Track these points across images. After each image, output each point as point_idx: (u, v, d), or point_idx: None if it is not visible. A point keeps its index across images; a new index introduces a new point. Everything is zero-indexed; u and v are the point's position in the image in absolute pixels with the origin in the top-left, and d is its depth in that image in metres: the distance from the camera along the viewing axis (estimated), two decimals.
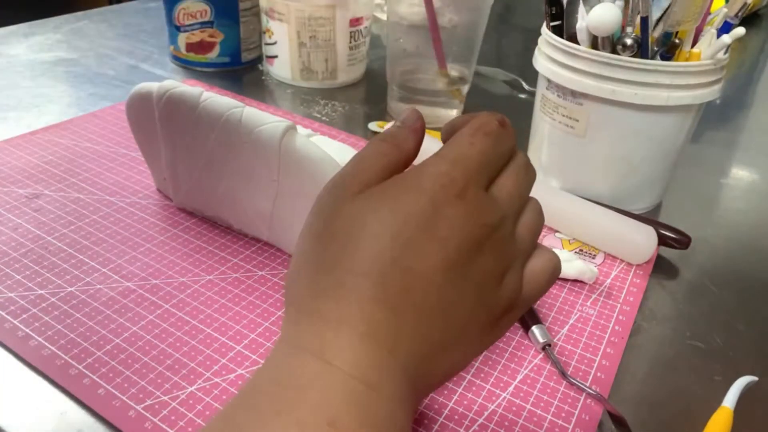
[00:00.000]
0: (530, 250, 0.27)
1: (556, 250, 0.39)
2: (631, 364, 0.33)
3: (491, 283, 0.24)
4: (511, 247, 0.25)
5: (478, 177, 0.25)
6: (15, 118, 0.55)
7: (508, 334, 0.34)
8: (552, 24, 0.44)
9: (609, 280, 0.39)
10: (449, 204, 0.24)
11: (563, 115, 0.44)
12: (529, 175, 0.28)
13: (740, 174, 0.56)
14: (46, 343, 0.31)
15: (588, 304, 0.37)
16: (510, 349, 0.33)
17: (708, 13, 0.42)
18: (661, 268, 0.41)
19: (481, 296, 0.24)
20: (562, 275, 0.38)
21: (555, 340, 0.34)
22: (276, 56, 0.66)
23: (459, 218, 0.23)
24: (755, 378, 0.32)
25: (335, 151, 0.38)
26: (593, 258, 0.41)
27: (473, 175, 0.24)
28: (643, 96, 0.40)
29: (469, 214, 0.24)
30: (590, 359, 0.33)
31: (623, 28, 0.41)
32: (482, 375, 0.32)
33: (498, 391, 0.31)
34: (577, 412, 0.30)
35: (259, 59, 0.72)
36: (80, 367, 0.30)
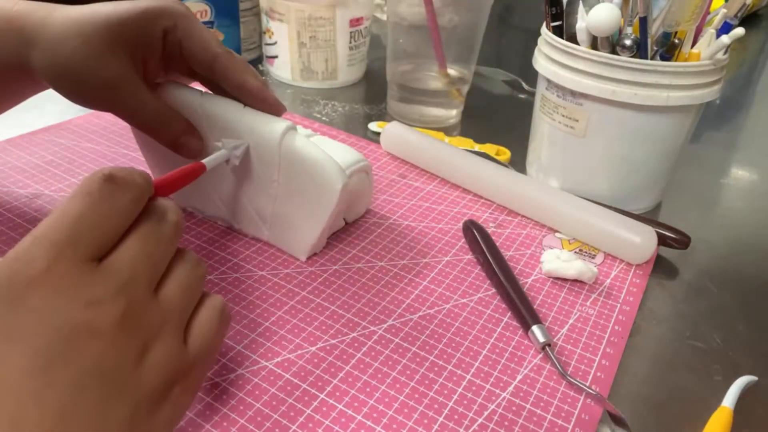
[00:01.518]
0: (188, 309, 0.25)
1: (556, 250, 0.40)
2: (631, 364, 0.33)
3: (122, 368, 0.21)
4: (149, 317, 0.22)
5: (72, 249, 0.21)
6: (15, 118, 0.55)
7: (507, 333, 0.34)
8: (552, 24, 0.44)
9: (609, 280, 0.39)
10: (30, 288, 0.20)
11: (563, 116, 0.44)
12: (165, 232, 0.24)
13: (740, 174, 0.56)
14: None
15: (588, 304, 0.37)
16: (510, 349, 0.33)
17: (707, 13, 0.42)
18: (660, 268, 0.41)
19: (109, 387, 0.20)
20: (562, 275, 0.38)
21: (555, 340, 0.34)
22: (276, 56, 0.66)
23: (46, 302, 0.20)
24: (755, 378, 0.32)
25: (335, 151, 0.38)
26: (593, 258, 0.41)
27: (63, 248, 0.20)
28: (642, 96, 0.40)
29: (62, 294, 0.20)
30: (590, 359, 0.33)
31: (622, 28, 0.41)
32: (482, 375, 0.32)
33: (498, 391, 0.31)
34: (576, 412, 0.30)
35: (259, 59, 0.72)
36: None
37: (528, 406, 0.30)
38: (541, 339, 0.33)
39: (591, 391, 0.30)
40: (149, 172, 0.45)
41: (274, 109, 0.37)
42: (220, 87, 0.37)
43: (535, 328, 0.33)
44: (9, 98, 0.38)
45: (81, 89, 0.33)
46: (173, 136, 0.36)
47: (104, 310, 0.21)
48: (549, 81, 0.45)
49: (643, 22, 0.40)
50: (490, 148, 0.53)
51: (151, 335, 0.22)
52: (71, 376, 0.20)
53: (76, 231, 0.21)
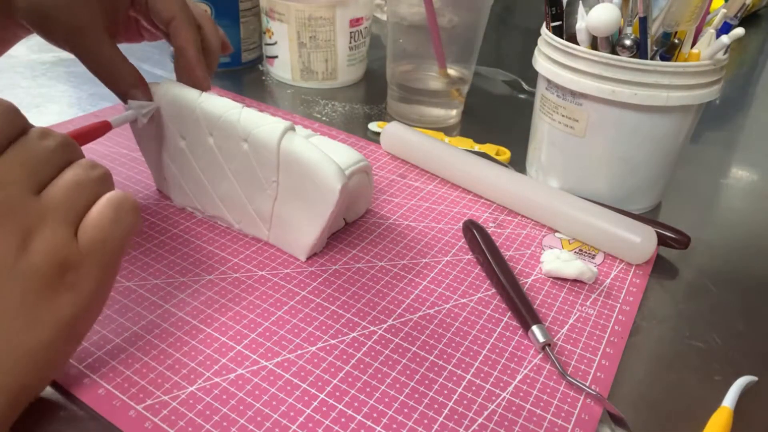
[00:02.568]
0: (78, 205, 0.26)
1: (556, 250, 0.40)
2: (631, 364, 0.33)
3: (5, 256, 0.23)
4: (26, 211, 0.24)
5: None
6: None
7: (507, 333, 0.34)
8: (552, 24, 0.44)
9: (609, 280, 0.39)
10: None
11: (563, 116, 0.44)
12: (46, 144, 0.26)
13: (740, 174, 0.56)
14: None
15: (588, 304, 0.37)
16: (510, 349, 0.33)
17: (707, 13, 0.42)
18: (660, 268, 0.42)
19: None
20: (562, 275, 0.38)
21: (555, 340, 0.34)
22: (276, 56, 0.66)
23: None
24: (755, 378, 0.32)
25: (335, 151, 0.38)
26: (593, 258, 0.41)
27: None
28: (642, 96, 0.40)
29: None
30: (590, 359, 0.33)
31: (622, 28, 0.41)
32: (482, 375, 0.32)
33: (498, 391, 0.31)
34: (576, 412, 0.30)
35: (259, 59, 0.72)
36: (80, 366, 0.30)
37: (528, 406, 0.30)
38: (541, 339, 0.33)
39: (591, 391, 0.30)
40: (149, 171, 0.45)
41: (198, 84, 0.39)
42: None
43: (535, 328, 0.33)
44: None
45: (52, 30, 0.35)
46: (124, 86, 0.38)
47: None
48: (549, 81, 0.45)
49: (643, 22, 0.40)
50: (490, 148, 0.53)
51: (32, 226, 0.24)
52: None
53: None
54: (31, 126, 0.27)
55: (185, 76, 0.40)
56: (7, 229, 0.24)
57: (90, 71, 0.37)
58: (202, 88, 0.39)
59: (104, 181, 0.28)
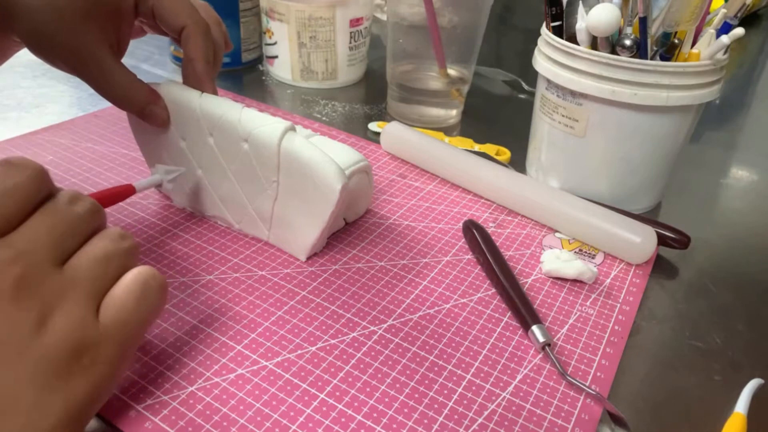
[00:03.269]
0: (104, 279, 0.25)
1: (556, 250, 0.40)
2: (631, 364, 0.33)
3: (20, 335, 0.22)
4: (48, 285, 0.23)
5: None
6: (15, 118, 0.55)
7: (507, 333, 0.34)
8: (552, 24, 0.44)
9: (608, 280, 0.39)
10: None
11: (563, 116, 0.44)
12: (73, 211, 0.25)
13: (740, 174, 0.56)
14: None
15: (588, 304, 0.37)
16: (510, 349, 0.33)
17: (707, 13, 0.42)
18: (660, 268, 0.42)
19: (6, 355, 0.21)
20: (562, 275, 0.38)
21: (555, 340, 0.34)
22: (276, 56, 0.66)
23: None
24: (762, 381, 0.32)
25: (335, 151, 0.38)
26: (593, 258, 0.41)
27: None
28: (642, 96, 0.40)
29: None
30: (590, 359, 0.33)
31: (622, 28, 0.41)
32: (482, 375, 0.32)
33: (498, 391, 0.31)
34: (576, 412, 0.30)
35: (259, 59, 0.72)
36: None
37: (528, 406, 0.30)
38: (541, 339, 0.33)
39: (591, 391, 0.30)
40: (149, 171, 0.45)
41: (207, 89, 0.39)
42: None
43: (535, 328, 0.33)
44: None
45: (54, 56, 0.35)
46: (139, 106, 0.38)
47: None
48: (549, 81, 0.45)
49: (643, 22, 0.40)
50: (490, 148, 0.53)
51: (52, 303, 0.23)
52: None
53: None
54: (59, 189, 0.25)
55: (193, 85, 0.39)
56: (26, 304, 0.22)
57: (99, 94, 0.36)
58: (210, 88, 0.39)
59: (132, 254, 0.27)
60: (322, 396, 0.30)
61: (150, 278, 0.26)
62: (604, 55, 0.40)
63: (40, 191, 0.25)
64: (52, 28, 0.33)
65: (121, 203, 0.43)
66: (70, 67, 0.35)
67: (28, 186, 0.24)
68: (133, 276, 0.26)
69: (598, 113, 0.42)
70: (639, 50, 0.40)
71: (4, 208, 0.23)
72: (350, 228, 0.42)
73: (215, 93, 0.39)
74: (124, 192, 0.35)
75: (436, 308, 0.36)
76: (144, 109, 0.38)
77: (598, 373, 0.32)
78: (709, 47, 0.40)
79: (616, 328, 0.35)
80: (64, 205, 0.25)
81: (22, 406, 0.21)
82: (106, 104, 0.58)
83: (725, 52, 0.41)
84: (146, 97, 0.38)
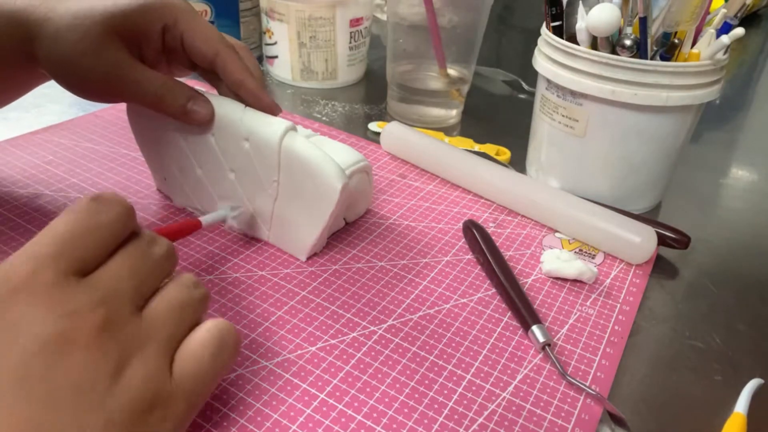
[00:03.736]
0: (180, 329, 0.24)
1: (556, 250, 0.40)
2: (631, 364, 0.33)
3: (98, 382, 0.21)
4: (129, 332, 0.22)
5: (53, 261, 0.21)
6: (15, 118, 0.55)
7: (507, 333, 0.34)
8: (552, 24, 0.44)
9: (609, 280, 0.39)
10: (10, 298, 0.20)
11: (563, 116, 0.44)
12: (153, 254, 0.25)
13: (740, 174, 0.56)
14: None
15: (588, 304, 0.37)
16: (510, 349, 0.33)
17: (707, 13, 0.42)
18: (660, 268, 0.42)
19: (83, 401, 0.20)
20: (562, 275, 0.38)
21: (555, 340, 0.34)
22: (276, 56, 0.66)
23: (25, 312, 0.20)
24: (762, 381, 0.32)
25: (335, 151, 0.38)
26: (593, 258, 0.41)
27: (44, 259, 0.21)
28: (642, 96, 0.40)
29: (40, 304, 0.20)
30: (590, 359, 0.33)
31: (622, 28, 0.41)
32: (482, 375, 0.32)
33: (498, 391, 0.31)
34: (576, 412, 0.30)
35: (259, 59, 0.72)
36: None
37: (528, 406, 0.30)
38: (541, 339, 0.33)
39: (591, 391, 0.30)
40: (149, 171, 0.45)
41: (269, 109, 0.37)
42: (220, 80, 0.38)
43: (535, 328, 0.33)
44: (16, 89, 0.40)
45: (81, 82, 0.34)
46: (180, 104, 0.36)
47: (82, 320, 0.21)
48: (549, 81, 0.45)
49: (643, 22, 0.40)
50: (490, 148, 0.53)
51: (131, 351, 0.22)
52: (45, 389, 0.20)
53: (59, 244, 0.22)
54: (140, 228, 0.25)
55: (253, 105, 0.37)
56: (106, 349, 0.21)
57: (140, 103, 0.35)
58: (275, 113, 0.38)
59: (204, 303, 0.26)
60: (322, 396, 0.30)
61: (226, 333, 0.25)
62: (604, 55, 0.40)
63: (126, 230, 0.24)
64: (78, 53, 0.32)
65: None
66: (102, 90, 0.34)
67: (116, 225, 0.24)
68: (208, 330, 0.25)
69: (598, 113, 0.42)
70: (639, 50, 0.40)
71: (92, 246, 0.23)
72: (350, 228, 0.42)
73: (278, 106, 0.38)
74: (192, 226, 0.34)
75: (436, 308, 0.36)
76: (185, 106, 0.36)
77: (598, 373, 0.32)
78: (709, 47, 0.40)
79: (616, 328, 0.35)
80: (145, 247, 0.25)
81: None
82: (106, 104, 0.58)
83: (725, 52, 0.41)
84: (186, 93, 0.36)
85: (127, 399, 0.21)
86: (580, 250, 0.42)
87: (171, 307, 0.24)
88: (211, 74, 0.38)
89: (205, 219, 0.36)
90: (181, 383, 0.23)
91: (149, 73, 0.35)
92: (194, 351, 0.24)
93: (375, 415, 0.29)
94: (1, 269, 0.21)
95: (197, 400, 0.24)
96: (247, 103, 0.37)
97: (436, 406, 0.30)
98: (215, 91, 0.39)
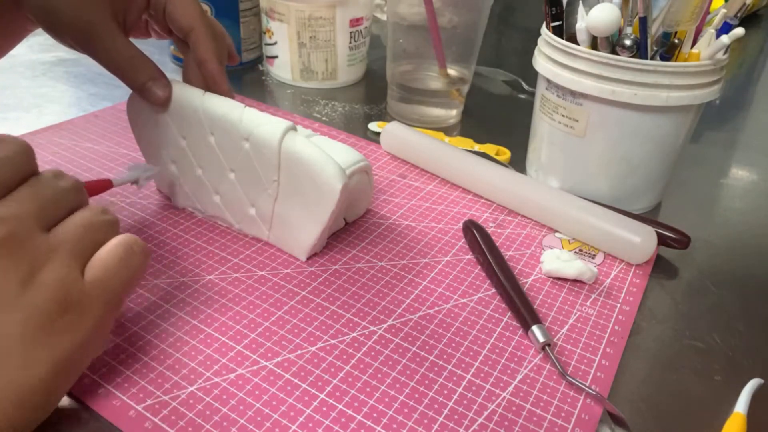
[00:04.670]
0: (87, 244, 0.26)
1: (556, 250, 0.40)
2: (631, 364, 0.33)
3: (8, 290, 0.23)
4: (35, 245, 0.24)
5: None
6: (15, 118, 0.55)
7: (507, 333, 0.34)
8: (552, 24, 0.44)
9: (609, 280, 0.39)
10: None
11: (563, 116, 0.44)
12: (58, 185, 0.27)
13: (740, 174, 0.56)
14: None
15: (588, 304, 0.37)
16: (510, 349, 0.33)
17: (707, 13, 0.42)
18: (660, 268, 0.42)
19: None
20: (562, 275, 0.38)
21: (555, 340, 0.34)
22: (276, 56, 0.66)
23: None
24: (762, 381, 0.32)
25: (335, 151, 0.38)
26: (593, 258, 0.41)
27: None
28: (642, 96, 0.40)
29: None
30: (590, 359, 0.33)
31: (622, 28, 0.41)
32: (482, 375, 0.32)
33: (498, 391, 0.31)
34: (576, 412, 0.30)
35: (259, 59, 0.72)
36: None
37: (528, 406, 0.30)
38: (541, 339, 0.33)
39: (591, 391, 0.30)
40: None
41: (224, 95, 0.39)
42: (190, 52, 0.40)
43: (535, 328, 0.33)
44: (4, 38, 0.40)
45: (62, 30, 0.35)
46: (141, 80, 0.37)
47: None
48: (549, 81, 0.45)
49: (643, 22, 0.40)
50: (490, 148, 0.53)
51: (40, 261, 0.24)
52: None
53: None
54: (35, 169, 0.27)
55: (209, 88, 0.39)
56: (12, 261, 0.23)
57: (105, 68, 0.36)
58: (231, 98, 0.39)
59: (113, 227, 0.28)
60: (322, 396, 0.30)
61: (133, 243, 0.28)
62: (604, 55, 0.40)
63: (26, 166, 0.26)
64: (63, 3, 0.33)
65: (121, 204, 0.43)
66: (77, 43, 0.35)
67: (15, 159, 0.26)
68: (116, 240, 0.27)
69: (598, 113, 0.42)
70: (639, 50, 0.40)
71: None
72: (350, 228, 0.42)
73: (231, 92, 0.40)
74: (103, 184, 0.36)
75: (436, 308, 0.36)
76: (145, 83, 0.37)
77: (598, 373, 0.32)
78: (709, 47, 0.40)
79: (616, 328, 0.35)
80: (48, 179, 0.27)
81: (10, 360, 0.23)
82: (106, 104, 0.58)
83: (725, 52, 0.41)
84: (150, 71, 0.37)
85: (41, 299, 0.23)
86: (580, 250, 0.42)
87: (77, 225, 0.26)
88: (184, 45, 0.40)
89: (115, 179, 0.37)
90: (93, 287, 0.26)
91: (119, 43, 0.36)
92: (103, 258, 0.26)
93: (375, 415, 0.29)
94: None
95: (110, 303, 0.27)
96: (206, 85, 0.39)
97: (436, 406, 0.30)
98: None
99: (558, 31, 0.44)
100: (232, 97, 0.39)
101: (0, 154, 0.25)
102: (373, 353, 0.32)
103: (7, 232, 0.23)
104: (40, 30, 0.36)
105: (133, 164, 0.39)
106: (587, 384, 0.31)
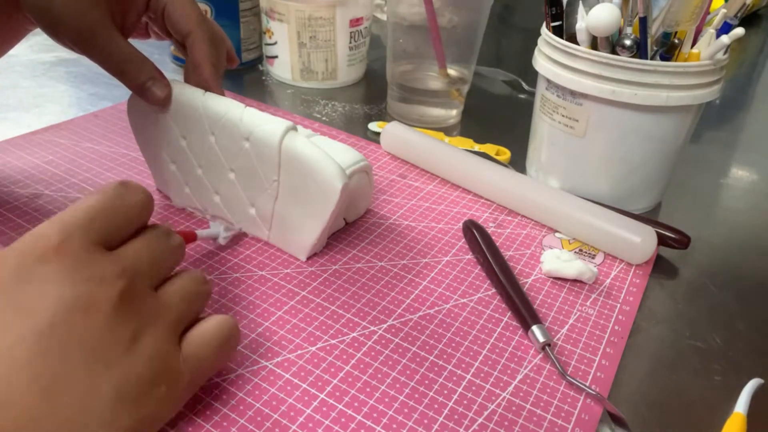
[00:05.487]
0: (187, 315, 0.26)
1: (556, 250, 0.40)
2: (631, 364, 0.33)
3: (114, 347, 0.22)
4: (146, 306, 0.24)
5: (83, 232, 0.23)
6: (15, 118, 0.55)
7: (507, 333, 0.34)
8: (552, 24, 0.44)
9: (609, 280, 0.39)
10: (41, 261, 0.21)
11: (563, 116, 0.44)
12: (169, 243, 0.27)
13: (740, 174, 0.56)
14: None
15: (588, 304, 0.37)
16: (510, 349, 0.33)
17: (707, 13, 0.42)
18: (660, 268, 0.42)
19: (99, 362, 0.21)
20: (562, 275, 0.38)
21: (555, 340, 0.34)
22: (276, 56, 0.66)
23: (54, 274, 0.21)
24: (762, 381, 0.32)
25: (335, 151, 0.38)
26: (593, 258, 0.41)
27: (75, 229, 0.22)
28: (642, 96, 0.40)
29: (68, 268, 0.22)
30: (590, 359, 0.33)
31: (622, 28, 0.41)
32: (482, 375, 0.32)
33: (498, 391, 0.31)
34: (576, 412, 0.30)
35: (259, 59, 0.72)
36: None
37: (528, 406, 0.30)
38: (541, 339, 0.33)
39: (591, 391, 0.30)
40: (149, 171, 0.45)
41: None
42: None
43: (535, 328, 0.33)
44: (8, 38, 0.40)
45: (60, 31, 0.35)
46: (140, 80, 0.37)
47: (105, 287, 0.22)
48: (549, 81, 0.45)
49: (643, 22, 0.40)
50: (490, 148, 0.53)
51: (146, 324, 0.23)
52: (64, 346, 0.21)
53: (88, 217, 0.23)
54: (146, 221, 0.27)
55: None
56: (125, 317, 0.23)
57: (104, 69, 0.36)
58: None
59: (207, 299, 0.28)
60: (322, 396, 0.30)
61: (234, 328, 0.28)
62: (604, 55, 0.40)
63: (146, 217, 0.26)
64: (61, 4, 0.33)
65: None
66: (75, 44, 0.35)
67: (139, 209, 0.26)
68: (219, 321, 0.27)
69: (598, 113, 0.42)
70: (639, 50, 0.40)
71: (118, 224, 0.25)
72: (350, 228, 0.42)
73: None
74: (188, 237, 0.36)
75: (436, 308, 0.36)
76: (144, 83, 0.37)
77: (598, 373, 0.32)
78: (709, 47, 0.40)
79: (616, 328, 0.35)
80: (161, 234, 0.27)
81: (94, 417, 0.21)
82: (106, 103, 0.58)
83: (725, 52, 0.41)
84: (149, 71, 0.37)
85: (140, 366, 0.23)
86: (580, 250, 0.42)
87: (182, 294, 0.26)
88: (183, 47, 0.40)
89: (200, 233, 0.38)
90: (188, 365, 0.25)
91: (117, 44, 0.35)
92: (204, 336, 0.26)
93: (375, 415, 0.29)
94: (33, 235, 0.22)
95: (196, 385, 0.26)
96: (190, 83, 0.39)
97: (436, 406, 0.30)
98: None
99: (558, 31, 0.44)
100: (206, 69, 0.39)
101: (125, 201, 0.25)
102: (373, 353, 0.32)
103: (125, 286, 0.23)
104: (40, 30, 0.36)
105: (218, 221, 0.41)
106: (587, 384, 0.31)
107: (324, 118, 0.60)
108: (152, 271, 0.25)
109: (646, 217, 0.43)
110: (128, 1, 0.37)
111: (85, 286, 0.22)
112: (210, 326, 0.27)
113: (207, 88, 0.39)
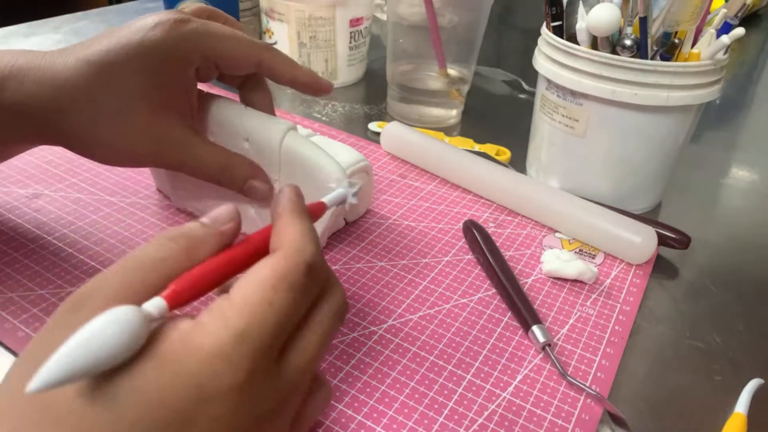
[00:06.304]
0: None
1: (556, 250, 0.40)
2: (631, 364, 0.33)
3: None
4: (284, 417, 0.22)
5: (269, 351, 0.20)
6: None
7: (507, 333, 0.34)
8: (552, 24, 0.44)
9: (609, 280, 0.39)
10: (219, 398, 0.19)
11: (563, 115, 0.44)
12: (339, 317, 0.24)
13: (740, 174, 0.56)
14: None
15: (588, 304, 0.37)
16: (510, 349, 0.33)
17: (707, 13, 0.42)
18: (660, 268, 0.42)
19: None
20: (562, 275, 0.38)
21: (555, 340, 0.34)
22: None
23: (228, 414, 0.19)
24: (762, 381, 0.32)
25: (335, 151, 0.38)
26: (593, 258, 0.41)
27: (260, 354, 0.19)
28: (642, 96, 0.40)
29: (243, 405, 0.19)
30: (590, 359, 0.33)
31: (622, 28, 0.41)
32: (482, 375, 0.32)
33: (498, 391, 0.31)
34: (577, 412, 0.30)
35: None
36: None
37: (528, 406, 0.30)
38: (541, 339, 0.33)
39: (591, 391, 0.30)
40: (149, 171, 0.45)
41: (327, 88, 0.37)
42: (247, 85, 0.38)
43: (535, 328, 0.33)
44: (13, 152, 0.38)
45: (123, 162, 0.32)
46: (239, 183, 0.35)
47: (270, 418, 0.21)
48: (549, 81, 0.45)
49: (643, 22, 0.40)
50: (490, 148, 0.53)
51: (277, 409, 0.22)
52: None
53: (278, 327, 0.20)
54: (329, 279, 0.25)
55: (311, 94, 0.37)
56: (288, 411, 0.22)
57: (193, 177, 0.34)
58: (330, 90, 0.37)
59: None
60: None
61: (328, 399, 0.26)
62: (604, 55, 0.40)
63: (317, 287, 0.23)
64: (113, 132, 0.29)
65: (121, 204, 0.43)
66: (149, 162, 0.32)
67: (315, 298, 0.23)
68: (322, 405, 0.25)
69: (599, 113, 0.42)
70: (639, 50, 0.40)
71: (293, 326, 0.21)
72: (350, 228, 0.42)
73: (330, 85, 0.37)
74: (316, 211, 0.30)
75: (436, 308, 0.36)
76: (244, 184, 0.35)
77: (599, 373, 0.32)
78: (710, 47, 0.40)
79: (617, 328, 0.35)
80: (333, 319, 0.23)
81: None
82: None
83: (725, 52, 0.41)
84: (245, 171, 0.35)
85: None
86: (581, 250, 0.42)
87: (315, 414, 0.25)
88: (234, 79, 0.37)
89: (327, 199, 0.31)
90: None
91: (204, 151, 0.33)
92: (309, 420, 0.24)
93: (375, 415, 0.29)
94: (222, 353, 0.19)
95: None
96: (306, 93, 0.37)
97: (436, 406, 0.30)
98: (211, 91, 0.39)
99: (558, 31, 0.44)
100: (271, 100, 0.38)
101: (311, 295, 0.22)
102: (373, 353, 0.32)
103: (284, 413, 0.22)
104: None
105: (341, 183, 0.34)
106: (587, 384, 0.31)
107: (324, 118, 0.60)
108: (309, 382, 0.23)
109: (646, 217, 0.43)
110: (182, 89, 0.33)
111: (252, 423, 0.20)
112: (314, 413, 0.25)
113: (320, 90, 0.36)
